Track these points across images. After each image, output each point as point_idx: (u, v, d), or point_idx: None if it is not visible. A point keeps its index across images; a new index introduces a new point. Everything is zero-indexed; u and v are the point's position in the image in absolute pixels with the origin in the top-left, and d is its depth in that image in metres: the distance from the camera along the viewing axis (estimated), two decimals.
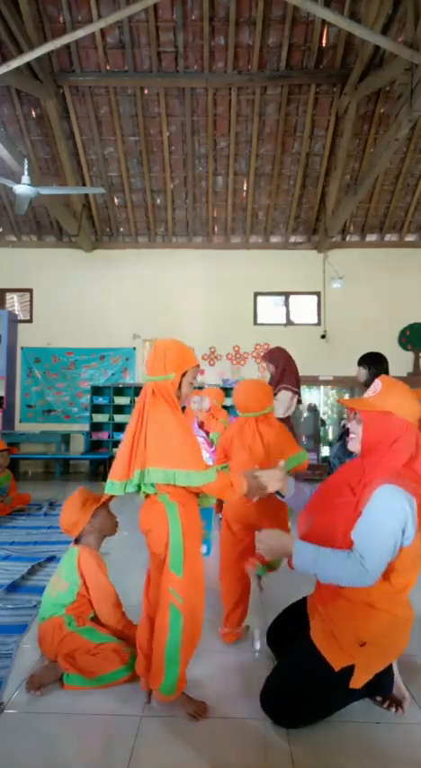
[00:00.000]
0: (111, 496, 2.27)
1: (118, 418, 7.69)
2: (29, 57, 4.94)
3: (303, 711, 1.67)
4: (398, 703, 1.80)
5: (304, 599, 1.99)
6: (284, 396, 4.10)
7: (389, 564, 1.60)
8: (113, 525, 2.28)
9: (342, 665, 1.63)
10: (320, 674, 1.64)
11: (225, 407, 4.89)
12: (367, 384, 3.86)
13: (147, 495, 1.80)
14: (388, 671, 1.78)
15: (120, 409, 7.80)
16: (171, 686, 1.71)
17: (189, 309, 8.06)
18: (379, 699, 1.82)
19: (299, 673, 1.69)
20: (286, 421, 3.98)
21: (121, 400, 7.75)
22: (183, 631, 1.70)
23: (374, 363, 3.81)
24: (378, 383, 1.72)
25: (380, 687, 1.80)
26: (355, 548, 1.58)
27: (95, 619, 2.13)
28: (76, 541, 2.24)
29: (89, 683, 1.89)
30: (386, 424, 1.63)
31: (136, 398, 7.57)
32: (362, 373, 3.82)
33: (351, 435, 1.76)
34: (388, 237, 8.09)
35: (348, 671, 1.63)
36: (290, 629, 1.94)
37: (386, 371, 3.84)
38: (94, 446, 7.67)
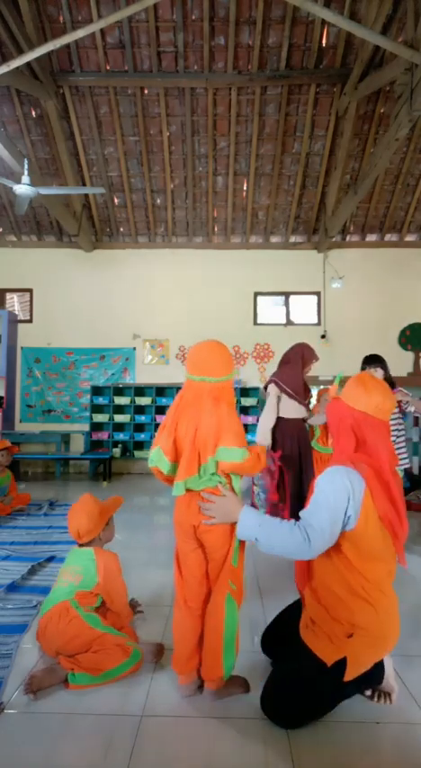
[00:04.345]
0: (117, 506, 2.38)
1: (118, 418, 7.69)
2: (29, 57, 4.93)
3: (302, 711, 1.67)
4: (386, 695, 1.81)
5: (294, 603, 2.02)
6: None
7: (360, 553, 1.64)
8: (113, 534, 2.41)
9: (334, 659, 1.65)
10: (314, 671, 1.65)
11: None
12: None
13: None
14: (379, 664, 1.79)
15: (120, 409, 7.79)
16: (229, 670, 1.79)
17: (189, 309, 8.06)
18: (368, 693, 1.83)
19: (294, 673, 1.70)
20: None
21: (121, 400, 7.74)
22: (237, 615, 1.79)
23: (383, 363, 4.00)
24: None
25: (370, 681, 1.80)
26: (302, 520, 1.65)
27: (98, 610, 2.15)
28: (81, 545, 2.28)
29: (96, 680, 1.89)
30: (336, 410, 1.79)
31: (136, 398, 7.61)
32: (380, 373, 4.00)
33: None
34: (388, 237, 8.09)
35: (341, 666, 1.64)
36: (284, 633, 1.94)
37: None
38: (94, 446, 7.67)
